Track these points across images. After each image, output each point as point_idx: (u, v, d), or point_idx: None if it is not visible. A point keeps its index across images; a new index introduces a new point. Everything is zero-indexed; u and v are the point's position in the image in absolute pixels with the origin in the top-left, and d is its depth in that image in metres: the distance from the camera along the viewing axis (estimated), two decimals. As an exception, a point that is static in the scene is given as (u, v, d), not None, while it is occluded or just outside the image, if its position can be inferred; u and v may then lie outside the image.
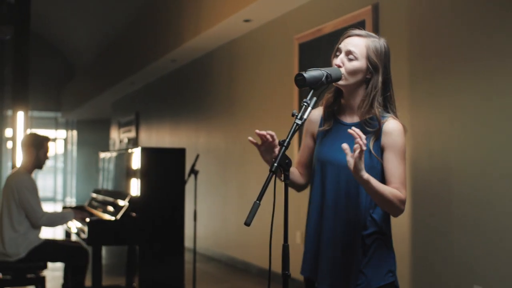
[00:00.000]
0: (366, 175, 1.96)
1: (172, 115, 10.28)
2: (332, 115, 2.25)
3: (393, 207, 2.06)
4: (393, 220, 4.45)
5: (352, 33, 2.21)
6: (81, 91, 16.12)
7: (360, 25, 4.97)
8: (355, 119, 2.20)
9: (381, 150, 2.14)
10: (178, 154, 4.56)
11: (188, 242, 5.98)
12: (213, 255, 8.07)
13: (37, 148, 4.63)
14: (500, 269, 3.74)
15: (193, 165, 5.09)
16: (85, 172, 19.91)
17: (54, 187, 20.87)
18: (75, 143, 20.60)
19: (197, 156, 5.25)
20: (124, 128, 13.70)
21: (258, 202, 1.91)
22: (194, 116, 9.13)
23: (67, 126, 21.04)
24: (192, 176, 5.15)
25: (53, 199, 20.48)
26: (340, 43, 2.22)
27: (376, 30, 4.86)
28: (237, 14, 6.37)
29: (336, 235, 2.15)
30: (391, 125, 2.14)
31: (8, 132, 16.75)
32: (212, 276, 6.84)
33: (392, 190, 2.05)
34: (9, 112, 15.61)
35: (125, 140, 13.43)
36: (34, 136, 4.70)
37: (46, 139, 4.72)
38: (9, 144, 18.29)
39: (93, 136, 19.58)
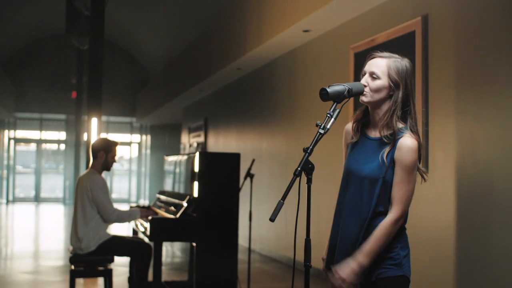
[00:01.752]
0: (355, 266, 2.29)
1: (238, 120, 10.66)
2: (360, 129, 2.48)
3: (393, 234, 2.31)
4: (439, 224, 4.61)
5: (375, 55, 2.45)
6: (155, 97, 16.82)
7: (410, 35, 5.17)
8: (378, 134, 2.41)
9: (393, 163, 2.34)
10: (233, 158, 4.88)
11: (246, 241, 6.27)
12: (274, 256, 8.36)
13: (106, 152, 5.07)
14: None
15: (249, 169, 5.40)
16: (157, 175, 20.66)
17: (128, 189, 21.77)
18: (149, 147, 21.42)
19: (253, 161, 5.56)
20: (193, 133, 14.22)
21: (282, 201, 2.20)
22: (258, 122, 9.47)
23: (141, 130, 21.90)
24: (248, 179, 5.45)
25: (127, 201, 21.36)
26: (365, 66, 2.44)
27: (425, 40, 5.03)
28: (296, 25, 6.65)
29: (349, 234, 2.38)
30: (404, 142, 2.31)
31: (86, 136, 17.72)
32: (271, 276, 7.13)
33: (380, 230, 2.29)
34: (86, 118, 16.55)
35: (195, 145, 13.94)
36: (104, 141, 5.15)
37: (114, 144, 5.15)
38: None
39: (165, 140, 20.33)
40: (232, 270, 4.76)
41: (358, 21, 6.22)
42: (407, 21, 5.27)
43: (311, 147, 2.25)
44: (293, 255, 2.35)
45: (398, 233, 2.35)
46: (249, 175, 5.38)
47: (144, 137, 21.95)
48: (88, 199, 4.90)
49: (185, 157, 5.53)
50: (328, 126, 2.29)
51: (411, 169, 2.31)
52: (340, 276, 2.30)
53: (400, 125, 2.36)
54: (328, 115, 2.31)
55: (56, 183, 22.79)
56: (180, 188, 5.51)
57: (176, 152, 17.82)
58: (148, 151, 21.50)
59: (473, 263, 4.45)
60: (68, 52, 18.34)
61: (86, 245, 4.85)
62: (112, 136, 19.32)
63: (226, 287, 4.75)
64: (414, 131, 2.37)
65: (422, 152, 2.39)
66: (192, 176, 5.09)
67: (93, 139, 7.29)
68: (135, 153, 22.41)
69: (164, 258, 8.17)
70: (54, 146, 23.46)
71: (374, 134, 2.43)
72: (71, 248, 5.04)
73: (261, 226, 8.60)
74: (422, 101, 5.00)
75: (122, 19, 15.60)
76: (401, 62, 2.41)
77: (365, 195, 2.36)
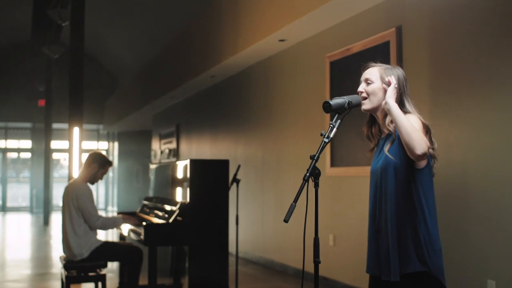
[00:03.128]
0: (391, 102, 2.43)
1: (212, 127, 10.86)
2: (372, 136, 2.71)
3: (412, 140, 2.33)
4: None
5: (368, 65, 2.72)
6: (123, 104, 16.87)
7: (385, 45, 5.48)
8: (385, 132, 2.64)
9: (401, 150, 2.48)
10: (223, 165, 5.11)
11: (230, 246, 6.48)
12: (252, 258, 8.59)
13: (100, 167, 5.24)
14: None
15: (235, 175, 5.62)
16: (126, 182, 20.67)
17: (96, 196, 21.61)
18: (117, 154, 21.41)
19: (239, 166, 5.78)
20: (165, 139, 14.34)
21: (294, 204, 2.42)
22: (233, 129, 9.69)
23: (109, 138, 21.86)
24: (235, 184, 5.68)
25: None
26: (361, 76, 2.70)
27: (399, 49, 5.35)
28: (273, 35, 6.90)
29: (386, 233, 2.53)
30: (407, 116, 2.47)
31: (54, 144, 17.63)
32: (253, 277, 7.36)
33: (412, 127, 2.36)
34: (56, 125, 16.50)
35: (166, 151, 14.06)
36: (101, 156, 5.32)
37: (109, 163, 5.34)
38: (55, 156, 19.24)
39: (134, 147, 20.34)
40: (224, 273, 4.98)
41: (334, 31, 6.50)
42: (382, 32, 5.57)
43: (317, 154, 2.49)
44: (303, 255, 2.55)
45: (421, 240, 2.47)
46: (235, 180, 5.60)
47: (111, 144, 21.92)
48: (74, 208, 5.05)
49: (170, 164, 5.73)
50: (331, 135, 2.52)
51: (420, 127, 2.45)
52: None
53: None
54: (331, 125, 2.54)
55: (18, 192, 22.56)
56: (166, 194, 5.69)
57: (146, 158, 17.88)
58: (116, 158, 21.48)
59: (449, 258, 4.76)
60: (33, 60, 18.23)
61: (78, 253, 4.99)
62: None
63: (218, 288, 4.96)
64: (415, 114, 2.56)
65: (433, 138, 2.55)
66: (178, 183, 5.29)
67: (75, 148, 7.40)
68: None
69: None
70: (15, 155, 23.18)
71: (384, 134, 2.65)
72: (63, 255, 5.18)
73: (239, 229, 8.80)
74: (398, 107, 5.30)
75: (89, 25, 15.60)
76: (392, 69, 2.67)
77: (382, 186, 2.55)
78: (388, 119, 2.58)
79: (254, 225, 8.59)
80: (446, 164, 4.78)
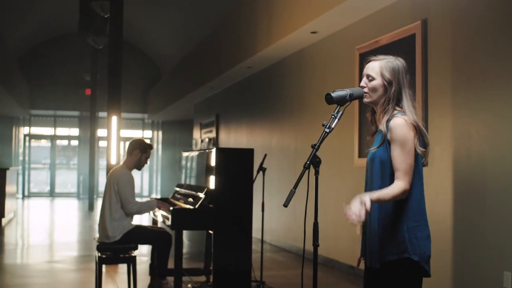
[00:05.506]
0: (368, 200, 2.49)
1: (249, 117, 11.06)
2: (375, 122, 2.80)
3: (397, 199, 2.56)
4: (437, 215, 4.99)
5: (370, 59, 2.81)
6: (166, 94, 17.23)
7: (411, 38, 5.55)
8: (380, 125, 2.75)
9: (389, 144, 2.63)
10: (248, 153, 5.27)
11: (257, 232, 6.66)
12: (284, 245, 8.77)
13: (142, 152, 5.48)
14: (526, 257, 4.23)
15: (261, 163, 5.80)
16: (169, 170, 21.12)
17: (141, 184, 22.20)
18: (160, 142, 21.86)
19: (265, 156, 5.95)
20: (205, 129, 14.62)
21: (294, 190, 2.58)
22: (268, 119, 9.86)
23: (153, 126, 22.33)
24: (261, 173, 5.85)
25: (139, 195, 21.79)
26: (364, 69, 2.81)
27: (425, 42, 5.40)
28: (304, 27, 7.03)
29: (371, 220, 2.67)
30: (394, 121, 2.62)
31: (100, 133, 18.16)
32: (282, 264, 7.54)
33: (392, 188, 2.54)
34: (100, 114, 16.99)
35: (206, 140, 14.34)
36: (141, 142, 5.56)
37: (150, 147, 5.57)
38: (101, 143, 19.80)
39: (176, 136, 20.76)
40: (247, 257, 5.16)
41: (363, 24, 6.59)
42: (408, 25, 5.64)
43: (318, 143, 2.64)
44: (303, 241, 2.72)
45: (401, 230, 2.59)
46: (262, 169, 5.77)
47: (155, 133, 22.39)
48: (114, 192, 5.30)
49: (200, 152, 5.94)
50: (332, 126, 2.64)
51: (403, 142, 2.57)
52: (351, 211, 2.49)
53: (392, 113, 2.66)
54: (333, 116, 2.67)
55: (67, 178, 23.30)
56: (196, 181, 5.91)
57: (188, 147, 18.23)
58: (160, 147, 21.95)
59: (467, 250, 4.83)
60: (81, 50, 18.78)
61: (112, 235, 5.26)
62: (125, 132, 19.74)
63: (241, 273, 5.15)
64: (405, 114, 2.64)
65: (424, 139, 2.63)
66: (207, 170, 5.50)
67: (113, 136, 7.70)
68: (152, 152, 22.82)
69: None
70: (65, 142, 23.92)
71: (380, 126, 2.74)
72: (97, 237, 5.46)
73: (271, 217, 9.00)
74: (422, 99, 5.38)
75: (133, 16, 15.99)
76: (393, 62, 2.73)
77: (372, 178, 2.69)
78: (384, 119, 2.68)
79: (287, 213, 8.76)
80: (465, 156, 4.84)
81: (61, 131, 22.13)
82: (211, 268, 6.12)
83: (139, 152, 5.46)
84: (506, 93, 4.49)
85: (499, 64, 4.58)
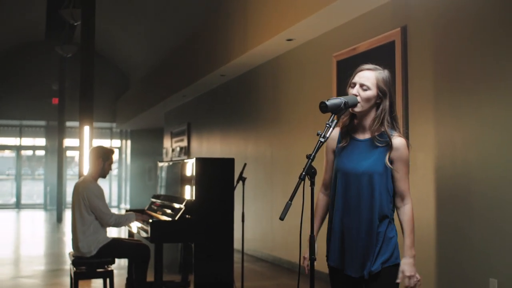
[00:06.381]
0: (408, 262, 2.63)
1: (222, 125, 10.94)
2: (348, 134, 2.77)
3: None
4: (420, 221, 4.95)
5: (363, 67, 2.74)
6: (136, 103, 17.00)
7: (390, 45, 5.52)
8: (367, 135, 2.72)
9: (391, 161, 2.65)
10: (228, 163, 5.16)
11: (236, 243, 6.54)
12: (261, 255, 8.66)
13: (104, 160, 5.30)
14: (513, 264, 4.20)
15: (241, 173, 5.69)
16: (138, 180, 20.82)
17: (109, 194, 21.85)
18: (129, 152, 21.57)
19: (245, 165, 5.85)
20: (176, 137, 14.45)
21: (290, 202, 2.48)
22: (243, 127, 9.76)
23: (122, 136, 22.03)
24: (241, 182, 5.74)
25: (108, 206, 21.43)
26: (354, 77, 2.73)
27: (404, 49, 5.38)
28: (280, 34, 6.96)
29: (358, 231, 2.64)
30: (398, 141, 2.66)
31: (67, 142, 17.82)
32: (260, 274, 7.43)
33: (409, 221, 2.67)
34: (68, 124, 16.68)
35: (178, 149, 14.17)
36: (101, 149, 5.37)
37: (112, 152, 5.39)
38: (69, 153, 19.45)
39: (146, 145, 20.48)
40: (229, 270, 5.04)
41: (340, 30, 6.55)
42: (387, 31, 5.61)
43: (313, 154, 2.54)
44: (299, 252, 2.62)
45: (393, 239, 2.69)
46: (241, 178, 5.66)
47: (124, 142, 22.09)
48: (85, 206, 5.11)
49: (178, 162, 5.80)
50: (327, 135, 2.57)
51: (408, 162, 2.70)
52: (411, 274, 2.61)
53: (389, 128, 2.67)
54: (327, 125, 2.59)
55: (33, 189, 22.81)
56: (174, 192, 5.77)
57: (158, 156, 18.01)
58: (129, 156, 21.64)
59: (452, 257, 4.80)
60: (48, 58, 18.43)
61: (87, 250, 5.06)
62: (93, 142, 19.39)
63: (223, 285, 5.02)
64: (400, 132, 2.72)
65: (409, 150, 2.72)
66: (185, 180, 5.36)
67: (85, 146, 7.51)
68: (115, 158, 22.49)
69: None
70: (29, 153, 23.41)
71: (363, 136, 2.72)
72: (72, 252, 5.27)
73: (247, 227, 8.87)
74: (402, 106, 5.35)
75: (102, 25, 15.76)
76: (384, 73, 2.72)
77: (363, 190, 2.64)
78: (383, 130, 2.69)
79: (263, 223, 8.66)
80: (450, 163, 4.82)
81: (27, 141, 21.67)
82: (189, 280, 5.99)
83: (102, 161, 5.28)
84: (490, 99, 4.47)
85: (481, 69, 4.57)
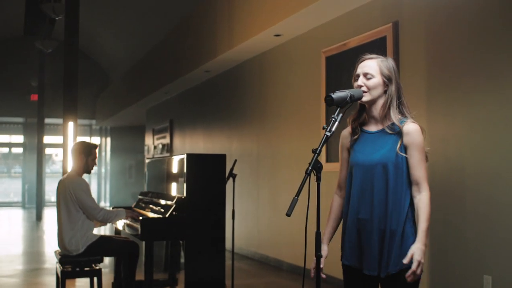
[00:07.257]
0: (420, 247, 2.47)
1: (206, 122, 10.84)
2: (359, 128, 2.72)
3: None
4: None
5: (365, 57, 2.71)
6: (116, 99, 16.81)
7: (382, 41, 5.48)
8: (379, 126, 2.66)
9: (404, 148, 2.58)
10: (219, 159, 5.09)
11: (226, 241, 6.46)
12: (247, 253, 8.59)
13: (86, 155, 5.18)
14: (508, 261, 4.19)
15: (232, 169, 5.60)
16: (118, 177, 20.61)
17: (89, 192, 21.60)
18: (109, 149, 21.34)
19: (235, 161, 5.76)
20: (158, 134, 14.31)
21: (296, 197, 2.41)
22: (228, 124, 9.67)
23: (101, 133, 21.79)
24: (231, 179, 5.66)
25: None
26: (357, 69, 2.70)
27: (396, 45, 5.35)
28: (268, 30, 6.88)
29: (372, 227, 2.57)
30: (410, 127, 2.58)
31: (47, 139, 17.56)
32: (248, 272, 7.36)
33: (425, 209, 2.52)
34: (47, 120, 16.43)
35: (160, 146, 14.03)
36: (83, 145, 5.24)
37: (94, 147, 5.27)
38: (48, 151, 19.17)
39: (127, 142, 20.28)
40: (220, 267, 4.96)
41: (330, 26, 6.49)
42: (379, 27, 5.57)
43: (319, 148, 2.48)
44: (304, 250, 2.55)
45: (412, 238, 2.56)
46: (232, 175, 5.58)
47: (104, 139, 21.85)
48: (72, 202, 4.98)
49: (167, 159, 5.70)
50: (333, 129, 2.51)
51: (422, 148, 2.58)
52: (418, 259, 2.46)
53: (399, 115, 2.62)
54: (333, 119, 2.53)
55: (10, 187, 22.46)
56: (163, 189, 5.67)
57: (139, 153, 17.86)
58: (108, 153, 21.42)
59: (446, 254, 4.78)
60: (26, 54, 18.14)
61: (75, 248, 4.94)
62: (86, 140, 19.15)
63: (215, 283, 4.95)
64: (412, 117, 2.64)
65: (424, 135, 2.62)
66: (174, 177, 5.28)
67: (70, 143, 7.37)
68: (95, 155, 22.27)
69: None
70: (5, 150, 23.01)
71: (374, 128, 2.67)
72: (58, 250, 5.14)
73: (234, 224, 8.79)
74: (394, 103, 5.31)
75: (81, 20, 15.55)
76: (387, 61, 2.70)
77: (377, 181, 2.58)
78: (393, 117, 2.62)
79: (249, 220, 8.59)
80: (443, 160, 4.79)
81: (3, 138, 21.31)
82: (177, 278, 5.90)
83: (84, 156, 5.15)
84: (482, 95, 4.46)
85: (474, 66, 4.55)
